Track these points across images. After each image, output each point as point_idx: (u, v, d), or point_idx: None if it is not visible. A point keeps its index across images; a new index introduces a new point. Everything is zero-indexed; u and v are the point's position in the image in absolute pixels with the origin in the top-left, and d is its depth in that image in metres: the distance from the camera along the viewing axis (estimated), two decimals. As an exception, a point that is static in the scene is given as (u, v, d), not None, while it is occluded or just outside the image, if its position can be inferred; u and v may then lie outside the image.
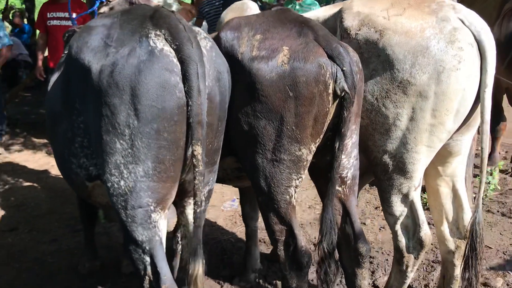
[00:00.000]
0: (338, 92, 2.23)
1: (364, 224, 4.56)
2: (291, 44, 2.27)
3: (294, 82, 2.20)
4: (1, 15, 12.34)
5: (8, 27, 10.52)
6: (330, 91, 2.24)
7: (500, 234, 4.26)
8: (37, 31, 6.68)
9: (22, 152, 6.74)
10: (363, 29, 2.59)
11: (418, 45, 2.43)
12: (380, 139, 2.62)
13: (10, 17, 11.62)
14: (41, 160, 6.27)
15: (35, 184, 5.59)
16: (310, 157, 2.35)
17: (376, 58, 2.54)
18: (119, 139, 1.97)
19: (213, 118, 2.12)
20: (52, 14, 6.19)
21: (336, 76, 2.22)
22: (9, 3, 13.57)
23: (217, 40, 2.42)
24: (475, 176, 5.41)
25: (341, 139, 2.27)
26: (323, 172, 2.50)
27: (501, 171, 5.57)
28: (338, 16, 2.72)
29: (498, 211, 4.72)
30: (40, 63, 6.33)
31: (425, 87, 2.44)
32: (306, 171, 2.45)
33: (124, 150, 1.98)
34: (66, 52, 2.52)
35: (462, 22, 2.45)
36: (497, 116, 5.45)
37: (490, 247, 4.00)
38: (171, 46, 1.97)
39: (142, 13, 2.14)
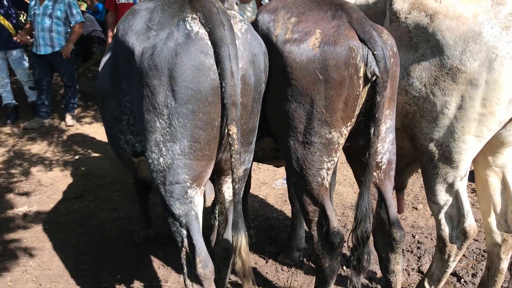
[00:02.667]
0: (369, 75, 2.20)
1: (416, 209, 4.47)
2: (324, 27, 2.25)
3: (324, 65, 2.19)
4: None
5: (83, 4, 11.05)
6: (361, 74, 2.21)
7: None
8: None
9: (92, 125, 7.16)
10: (413, 12, 2.50)
11: (470, 31, 2.32)
12: (427, 127, 2.54)
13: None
14: (108, 132, 6.64)
15: (101, 155, 5.95)
16: (342, 141, 2.35)
17: (426, 43, 2.45)
18: (159, 118, 2.07)
19: (247, 99, 2.16)
20: (121, -7, 6.45)
21: (367, 59, 2.18)
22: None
23: (255, 23, 2.45)
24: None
25: (376, 124, 2.24)
26: (358, 156, 2.49)
27: None
28: (387, -1, 2.64)
29: None
30: (110, 40, 6.64)
31: (475, 75, 2.33)
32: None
33: (163, 129, 2.08)
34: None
35: (519, 5, 2.30)
36: None
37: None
38: (205, 29, 2.02)
39: None
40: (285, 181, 5.03)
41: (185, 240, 2.21)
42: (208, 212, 2.61)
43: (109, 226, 4.19)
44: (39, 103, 6.99)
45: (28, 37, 6.93)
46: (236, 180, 2.10)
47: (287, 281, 3.38)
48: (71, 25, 6.87)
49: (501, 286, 2.90)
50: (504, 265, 2.78)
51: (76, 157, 5.93)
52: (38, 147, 6.25)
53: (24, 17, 8.11)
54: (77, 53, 8.05)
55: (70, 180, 5.22)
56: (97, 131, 6.83)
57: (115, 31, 2.36)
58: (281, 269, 3.53)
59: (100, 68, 2.66)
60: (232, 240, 2.20)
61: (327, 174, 2.41)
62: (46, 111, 7.08)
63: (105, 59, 2.64)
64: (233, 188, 2.13)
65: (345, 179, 5.17)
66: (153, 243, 3.87)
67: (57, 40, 6.75)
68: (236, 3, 3.27)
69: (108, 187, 5.02)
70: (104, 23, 10.84)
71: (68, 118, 7.11)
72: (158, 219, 4.22)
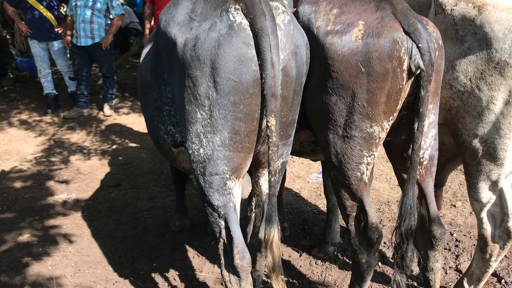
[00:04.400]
0: (413, 69, 2.14)
1: (455, 206, 4.36)
2: (367, 18, 2.20)
3: (367, 57, 2.15)
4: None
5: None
6: (405, 67, 2.15)
7: None
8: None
9: (129, 115, 7.29)
10: (460, 4, 2.42)
11: (521, 23, 2.24)
12: (471, 123, 2.47)
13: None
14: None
15: (138, 145, 6.05)
16: (383, 135, 2.30)
17: (472, 36, 2.38)
18: (200, 109, 2.08)
19: (288, 91, 2.15)
20: (157, -15, 6.52)
21: (412, 52, 2.13)
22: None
23: (296, 14, 2.42)
24: None
25: (420, 119, 2.19)
26: (399, 151, 2.44)
27: None
28: (433, -10, 2.57)
29: None
30: (147, 31, 6.74)
31: (525, 68, 2.25)
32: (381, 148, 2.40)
33: (204, 120, 2.09)
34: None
35: None
36: None
37: None
38: (247, 19, 2.01)
39: None
40: (319, 175, 5.00)
41: (223, 231, 2.22)
42: (245, 204, 2.61)
43: (145, 215, 4.26)
44: (78, 93, 7.16)
45: (68, 33, 7.08)
46: (273, 172, 2.09)
47: (321, 275, 3.36)
48: (111, 17, 7.00)
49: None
50: (549, 267, 2.69)
51: (114, 146, 6.05)
52: (77, 136, 6.40)
53: (64, 9, 8.29)
54: (115, 44, 8.22)
55: (108, 169, 5.33)
56: (134, 122, 6.95)
57: (157, 22, 2.38)
58: (315, 263, 3.51)
59: (141, 59, 2.69)
60: (265, 233, 2.19)
61: (367, 169, 2.37)
62: (85, 101, 7.25)
63: (146, 50, 2.67)
64: (269, 180, 2.12)
65: (381, 174, 5.09)
66: (189, 233, 3.91)
67: (97, 32, 6.88)
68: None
69: (145, 176, 5.10)
70: (141, 15, 11.02)
71: (106, 108, 7.25)
72: (193, 209, 4.27)
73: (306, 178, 5.04)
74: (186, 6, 2.21)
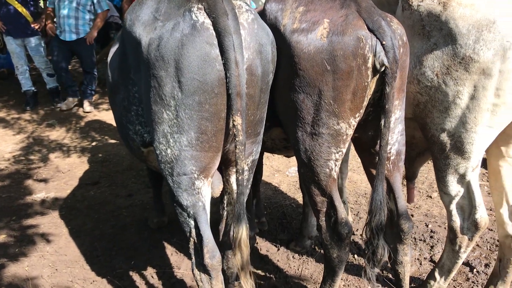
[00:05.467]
0: (378, 66, 2.17)
1: (430, 197, 4.43)
2: (332, 16, 2.22)
3: (332, 55, 2.16)
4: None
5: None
6: (369, 65, 2.17)
7: None
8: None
9: (109, 111, 7.22)
10: (426, 0, 2.44)
11: (484, 19, 2.26)
12: (439, 117, 2.51)
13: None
14: (125, 119, 6.70)
15: (118, 142, 6.02)
16: (350, 132, 2.33)
17: (438, 31, 2.40)
18: (166, 109, 2.08)
19: (254, 90, 2.15)
20: (137, -22, 6.45)
21: (376, 49, 2.15)
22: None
23: (263, 12, 2.43)
24: None
25: (386, 115, 2.21)
26: (367, 146, 2.48)
27: None
28: (399, -14, 2.58)
29: None
30: (123, 23, 6.67)
31: (489, 64, 2.28)
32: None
33: (170, 121, 2.09)
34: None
35: (536, -8, 2.24)
36: None
37: None
38: (210, 19, 2.00)
39: None
40: (298, 169, 5.02)
41: (193, 231, 2.23)
42: (216, 203, 2.63)
43: (124, 212, 4.26)
44: (68, 85, 7.19)
45: (49, 22, 7.01)
46: (240, 171, 2.10)
47: (298, 269, 3.40)
48: (97, 12, 6.97)
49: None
50: (517, 256, 2.75)
51: (94, 143, 6.01)
52: (57, 134, 6.35)
53: (42, 4, 8.18)
54: (96, 39, 8.11)
55: (87, 166, 5.31)
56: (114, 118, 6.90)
57: (123, 22, 2.37)
58: (292, 256, 3.54)
59: (109, 59, 2.67)
60: (233, 231, 2.21)
61: (335, 165, 2.40)
62: (76, 89, 7.30)
63: (114, 49, 2.66)
64: (237, 179, 2.14)
65: (359, 166, 5.13)
66: (167, 230, 3.92)
67: (82, 27, 6.88)
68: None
69: (124, 173, 5.09)
70: (121, 9, 10.88)
71: (86, 104, 7.20)
72: (171, 206, 4.27)
73: (285, 172, 5.07)
74: (151, 6, 2.20)
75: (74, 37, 6.85)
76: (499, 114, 2.37)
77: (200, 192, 2.18)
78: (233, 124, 2.03)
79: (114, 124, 6.61)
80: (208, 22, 1.99)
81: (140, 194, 4.61)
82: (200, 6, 2.03)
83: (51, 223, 4.08)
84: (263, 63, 2.15)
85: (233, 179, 2.44)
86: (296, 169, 5.04)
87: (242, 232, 2.15)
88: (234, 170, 2.42)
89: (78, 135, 6.29)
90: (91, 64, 7.17)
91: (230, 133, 2.18)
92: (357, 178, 4.87)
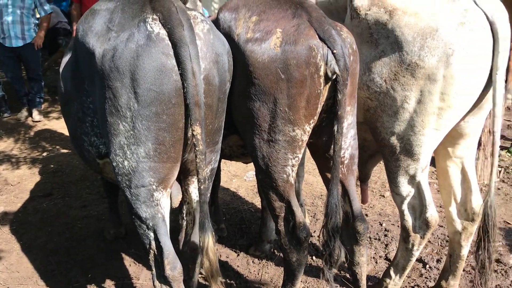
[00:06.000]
0: (330, 74, 2.24)
1: (383, 196, 4.58)
2: (284, 26, 2.28)
3: (285, 64, 2.22)
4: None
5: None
6: (321, 73, 2.25)
7: (522, 210, 4.19)
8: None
9: (60, 120, 7.02)
10: (373, 9, 2.54)
11: (428, 27, 2.38)
12: (388, 121, 2.61)
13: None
14: (77, 128, 6.53)
15: (70, 152, 5.87)
16: (305, 138, 2.39)
17: (385, 39, 2.50)
18: (122, 121, 2.06)
19: (212, 99, 2.17)
20: (85, -16, 6.32)
21: (327, 58, 2.22)
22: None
23: (216, 21, 2.45)
24: (501, 148, 5.30)
25: (339, 121, 2.29)
26: (322, 151, 2.55)
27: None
28: (348, -5, 2.67)
29: (522, 186, 4.61)
30: (75, 33, 6.51)
31: (433, 70, 2.40)
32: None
33: (127, 132, 2.07)
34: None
35: (475, 2, 2.37)
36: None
37: (509, 223, 3.95)
38: (165, 30, 2.01)
39: None
40: (255, 173, 5.07)
41: (153, 243, 2.22)
42: (175, 213, 2.62)
43: (79, 224, 4.16)
44: (32, 94, 6.98)
45: None
46: (202, 180, 2.11)
47: (258, 274, 3.43)
48: (40, 16, 6.79)
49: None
50: (465, 251, 2.89)
51: (44, 154, 5.83)
52: (4, 145, 6.12)
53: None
54: (43, 45, 7.87)
55: (38, 178, 5.14)
56: (65, 127, 6.65)
57: (75, 32, 2.33)
58: (252, 261, 3.58)
59: (61, 69, 2.61)
60: (199, 241, 2.22)
61: (292, 170, 2.45)
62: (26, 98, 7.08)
63: (65, 59, 2.60)
64: (199, 188, 2.14)
65: (315, 168, 5.23)
66: (124, 241, 3.86)
67: (28, 32, 6.67)
68: (201, 0, 3.25)
69: (77, 184, 4.97)
70: (69, 14, 10.60)
71: (35, 113, 6.97)
72: (128, 216, 4.20)
73: (243, 176, 5.10)
74: (104, 16, 2.18)
75: (20, 43, 6.64)
76: (444, 117, 2.49)
77: (159, 203, 2.18)
78: (193, 134, 2.04)
79: (66, 133, 6.46)
80: (163, 32, 1.99)
81: (95, 205, 4.51)
82: (155, 16, 2.03)
83: (1, 238, 3.93)
84: (220, 73, 2.17)
85: (192, 188, 2.44)
86: (254, 173, 5.09)
87: (209, 240, 2.16)
88: (193, 179, 2.44)
89: (27, 146, 6.08)
90: (38, 71, 6.97)
91: (189, 143, 2.18)
92: (313, 180, 4.97)
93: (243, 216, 4.29)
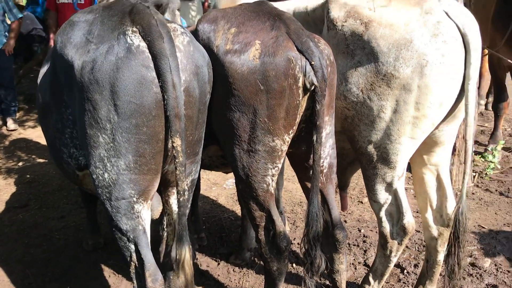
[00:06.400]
0: (308, 85, 2.29)
1: (361, 202, 4.64)
2: (263, 37, 2.32)
3: (265, 76, 2.26)
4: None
5: (23, 1, 10.63)
6: (300, 84, 2.29)
7: (495, 213, 4.30)
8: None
9: (35, 129, 6.92)
10: (349, 20, 2.60)
11: (402, 38, 2.44)
12: (365, 130, 2.66)
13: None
14: (53, 136, 6.45)
15: (46, 161, 5.78)
16: (285, 148, 2.43)
17: (361, 50, 2.56)
18: (102, 133, 2.06)
19: (192, 111, 2.18)
20: (61, -8, 6.26)
21: (306, 69, 2.27)
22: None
23: (195, 32, 2.48)
24: (475, 153, 5.44)
25: (318, 131, 2.33)
26: (301, 161, 2.59)
27: (504, 148, 5.55)
28: (325, 7, 2.72)
29: (496, 190, 4.74)
30: (52, 42, 6.42)
31: (408, 80, 2.46)
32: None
33: (107, 144, 2.07)
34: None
35: (447, 14, 2.44)
36: (500, 94, 5.44)
37: (483, 227, 4.05)
38: (145, 42, 2.02)
39: (122, 9, 2.19)
40: (235, 181, 5.08)
41: (134, 255, 2.21)
42: (156, 224, 2.62)
43: (56, 235, 4.10)
44: (6, 102, 6.85)
45: None
46: (181, 192, 2.12)
47: (239, 282, 3.44)
48: (10, 21, 6.63)
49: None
50: (441, 257, 2.96)
51: (20, 163, 5.74)
52: (-22, 155, 6.00)
53: None
54: (18, 52, 7.78)
55: (14, 188, 5.06)
56: (41, 135, 6.51)
57: (54, 43, 2.31)
58: (233, 270, 3.58)
59: (39, 79, 2.60)
60: (176, 253, 2.22)
61: (272, 180, 2.48)
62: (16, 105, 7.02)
63: (43, 70, 2.58)
64: (178, 200, 2.15)
65: (294, 176, 5.24)
66: (103, 251, 3.83)
67: None
68: (178, 10, 3.27)
69: (54, 194, 4.90)
70: (44, 20, 10.48)
71: (10, 122, 6.84)
72: (107, 226, 4.16)
73: (222, 184, 5.11)
74: (83, 28, 2.18)
75: None
76: (420, 126, 2.56)
77: (140, 215, 2.17)
78: (173, 146, 2.05)
79: (42, 143, 6.38)
80: (143, 45, 2.01)
81: (73, 215, 4.46)
82: (134, 29, 2.04)
83: (-24, 251, 3.85)
84: (200, 84, 2.19)
85: (172, 199, 2.44)
86: (234, 181, 5.10)
87: (185, 253, 2.16)
88: (174, 190, 2.43)
89: (2, 155, 5.97)
90: (11, 78, 6.83)
91: (169, 154, 2.19)
92: (292, 187, 5.00)
93: (223, 224, 4.29)
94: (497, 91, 5.48)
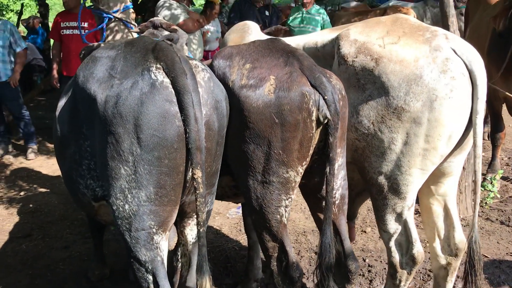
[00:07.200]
0: (321, 119, 2.37)
1: (365, 232, 4.66)
2: (277, 73, 2.40)
3: (279, 110, 2.34)
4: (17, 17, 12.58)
5: (24, 31, 10.77)
6: (314, 118, 2.37)
7: (497, 243, 4.33)
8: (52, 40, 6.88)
9: (37, 158, 6.92)
10: (359, 56, 2.69)
11: (412, 74, 2.53)
12: (376, 161, 2.72)
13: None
14: (54, 166, 6.43)
15: (49, 190, 5.78)
16: (298, 179, 2.48)
17: (372, 84, 2.65)
18: (124, 165, 2.11)
19: (211, 143, 2.25)
20: (65, 24, 6.38)
21: (319, 104, 2.36)
22: (24, 6, 13.82)
23: (211, 67, 2.56)
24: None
25: (331, 163, 2.40)
26: (314, 192, 2.63)
27: (503, 178, 5.62)
28: (335, 43, 2.83)
29: (497, 219, 4.78)
30: (55, 72, 6.53)
31: (418, 114, 2.55)
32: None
33: (128, 176, 2.11)
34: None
35: (454, 51, 2.55)
36: (496, 124, 5.53)
37: (486, 256, 4.08)
38: (168, 78, 2.10)
39: (144, 46, 2.28)
40: (238, 210, 5.10)
41: (151, 286, 2.23)
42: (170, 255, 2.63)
43: (61, 266, 4.06)
44: (22, 133, 6.92)
45: None
46: (201, 223, 2.16)
47: (247, 313, 3.43)
48: (15, 52, 6.68)
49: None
50: (449, 286, 2.99)
51: (22, 193, 5.72)
52: (-21, 184, 5.98)
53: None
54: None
55: (16, 218, 5.03)
56: (42, 165, 6.62)
57: (75, 77, 2.37)
58: (240, 301, 3.57)
59: (57, 112, 2.65)
60: (197, 284, 2.24)
61: (285, 211, 2.52)
62: (8, 138, 7.01)
63: (61, 103, 2.64)
64: (198, 231, 2.19)
65: (296, 204, 5.31)
66: (109, 282, 3.80)
67: (3, 70, 6.54)
68: (186, 44, 3.36)
69: (57, 224, 4.88)
70: (44, 50, 10.62)
71: (29, 151, 6.84)
72: (112, 256, 4.16)
73: (226, 214, 5.12)
74: (105, 63, 2.25)
75: None
76: (429, 158, 2.63)
77: (159, 246, 2.20)
78: (193, 177, 2.10)
79: (43, 172, 6.38)
80: (167, 81, 2.08)
81: (77, 245, 4.43)
82: (158, 65, 2.11)
83: (-20, 283, 3.81)
84: (219, 118, 2.26)
85: (188, 230, 2.48)
86: (237, 210, 5.12)
87: (206, 283, 2.18)
88: (189, 221, 2.48)
89: (3, 185, 5.95)
90: (21, 107, 6.81)
91: (187, 186, 2.23)
92: (295, 216, 5.02)
93: (227, 254, 4.29)
94: (494, 122, 5.59)
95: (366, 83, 2.67)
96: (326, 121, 2.38)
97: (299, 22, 6.58)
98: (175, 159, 2.11)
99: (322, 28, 6.63)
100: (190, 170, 2.13)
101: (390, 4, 8.46)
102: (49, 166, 6.56)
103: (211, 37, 7.18)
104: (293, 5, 9.62)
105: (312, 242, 4.39)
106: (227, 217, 5.05)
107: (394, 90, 2.57)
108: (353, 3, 8.96)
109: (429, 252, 3.22)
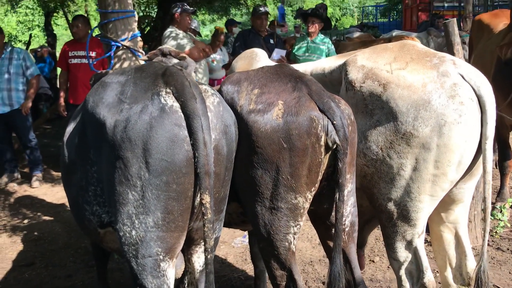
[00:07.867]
0: (330, 144, 2.35)
1: (373, 261, 4.57)
2: (285, 98, 2.40)
3: (288, 134, 2.32)
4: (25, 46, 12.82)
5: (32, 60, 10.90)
6: (322, 143, 2.35)
7: (510, 273, 4.23)
8: (59, 69, 6.95)
9: (41, 186, 6.89)
10: (367, 82, 2.70)
11: (420, 99, 2.53)
12: (385, 188, 2.69)
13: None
14: (59, 194, 6.42)
15: (52, 218, 5.73)
16: (307, 205, 2.45)
17: (380, 110, 2.64)
18: (132, 190, 2.08)
19: (220, 168, 2.23)
20: (73, 53, 6.45)
21: (328, 129, 2.34)
22: (32, 36, 14.09)
23: (219, 93, 2.56)
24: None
25: (340, 189, 2.36)
26: (323, 218, 2.59)
27: (512, 207, 5.56)
28: (343, 69, 2.84)
29: (508, 249, 4.68)
30: (62, 100, 6.58)
31: (427, 139, 2.53)
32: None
33: (136, 201, 2.09)
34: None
35: (462, 77, 2.55)
36: (504, 152, 5.49)
37: (498, 287, 3.98)
38: (178, 102, 2.10)
39: (154, 71, 2.29)
40: (244, 239, 5.03)
41: None
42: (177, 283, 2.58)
43: (64, 295, 4.00)
44: (8, 160, 6.86)
45: None
46: (209, 250, 2.12)
47: None
48: (28, 79, 6.74)
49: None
50: (461, 317, 2.91)
51: (25, 221, 5.67)
52: (-18, 212, 5.94)
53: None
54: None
55: (19, 246, 4.97)
56: (47, 193, 6.60)
57: (84, 103, 2.38)
58: (247, 331, 3.49)
59: (64, 137, 2.64)
60: None
61: (294, 238, 2.48)
62: (15, 165, 6.99)
63: (69, 128, 2.64)
64: (205, 258, 2.14)
65: (303, 233, 5.23)
66: (113, 311, 3.73)
67: (16, 98, 6.59)
68: (195, 72, 3.38)
69: (61, 252, 4.81)
70: (51, 79, 10.74)
71: (34, 179, 6.82)
72: (116, 285, 4.08)
73: (231, 243, 5.05)
74: (115, 88, 2.25)
75: (7, 109, 6.55)
76: (439, 184, 2.60)
77: (166, 274, 2.16)
78: (202, 203, 2.07)
79: (47, 200, 6.35)
80: (176, 105, 2.08)
81: (80, 274, 4.36)
82: (168, 90, 2.12)
83: (-19, 312, 3.74)
84: (228, 143, 2.25)
85: (195, 258, 2.44)
86: (242, 239, 5.05)
87: None
88: (196, 248, 2.44)
89: (7, 213, 5.90)
90: (31, 136, 6.83)
91: (195, 211, 2.20)
92: (301, 245, 4.95)
93: (233, 284, 4.21)
94: (501, 150, 5.56)
95: (374, 109, 2.66)
96: (335, 146, 2.36)
97: (304, 51, 6.65)
98: (184, 184, 2.09)
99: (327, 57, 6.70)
100: (199, 195, 2.11)
101: (394, 34, 8.55)
102: (53, 194, 6.54)
103: (217, 66, 7.25)
104: (298, 35, 9.75)
105: (320, 272, 4.31)
106: (233, 246, 4.98)
107: (402, 115, 2.56)
108: (357, 34, 9.06)
109: (439, 282, 3.15)
